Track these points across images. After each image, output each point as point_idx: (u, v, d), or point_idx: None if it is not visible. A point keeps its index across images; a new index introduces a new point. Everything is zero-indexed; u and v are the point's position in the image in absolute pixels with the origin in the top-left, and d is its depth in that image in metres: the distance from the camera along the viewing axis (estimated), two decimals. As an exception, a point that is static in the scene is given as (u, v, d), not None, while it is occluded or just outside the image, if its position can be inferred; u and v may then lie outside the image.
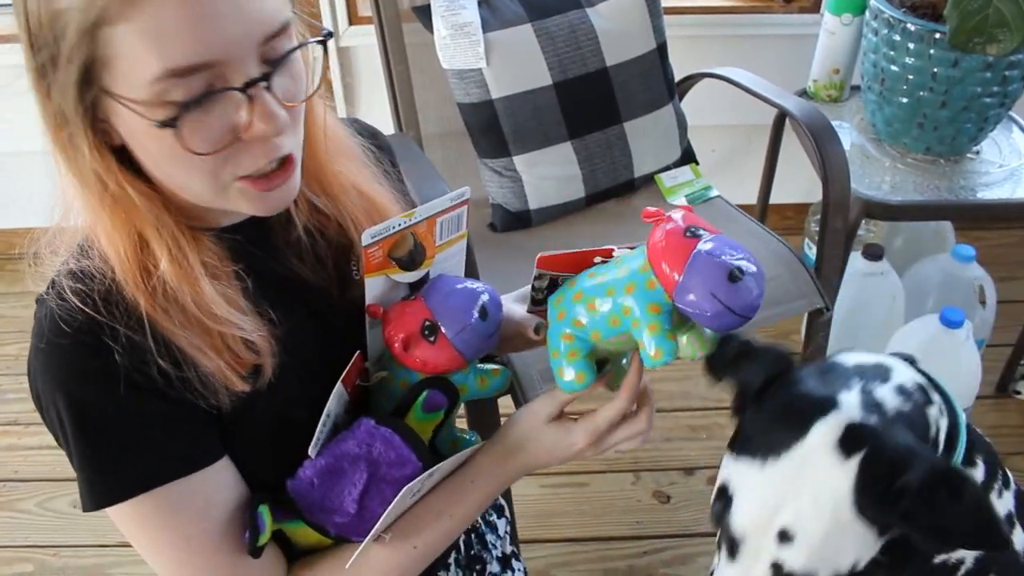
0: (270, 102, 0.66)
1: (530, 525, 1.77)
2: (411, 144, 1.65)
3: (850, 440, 0.67)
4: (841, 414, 0.68)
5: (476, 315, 0.80)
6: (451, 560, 1.00)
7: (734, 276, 0.69)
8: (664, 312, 0.73)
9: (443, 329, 0.79)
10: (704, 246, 0.71)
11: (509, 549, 1.10)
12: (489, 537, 1.08)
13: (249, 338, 0.73)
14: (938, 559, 0.78)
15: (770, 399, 0.73)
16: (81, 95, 0.64)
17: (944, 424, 0.74)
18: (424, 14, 1.59)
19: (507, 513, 1.16)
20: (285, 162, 0.71)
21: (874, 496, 0.65)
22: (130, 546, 0.76)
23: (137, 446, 0.72)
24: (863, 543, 0.68)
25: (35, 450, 1.96)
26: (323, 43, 0.72)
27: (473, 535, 1.05)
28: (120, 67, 0.62)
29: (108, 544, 1.76)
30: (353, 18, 2.20)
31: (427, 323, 0.79)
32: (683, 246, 0.72)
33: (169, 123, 0.63)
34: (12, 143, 2.22)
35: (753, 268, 0.71)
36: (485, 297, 0.82)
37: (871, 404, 0.69)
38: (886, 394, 0.70)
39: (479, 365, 0.86)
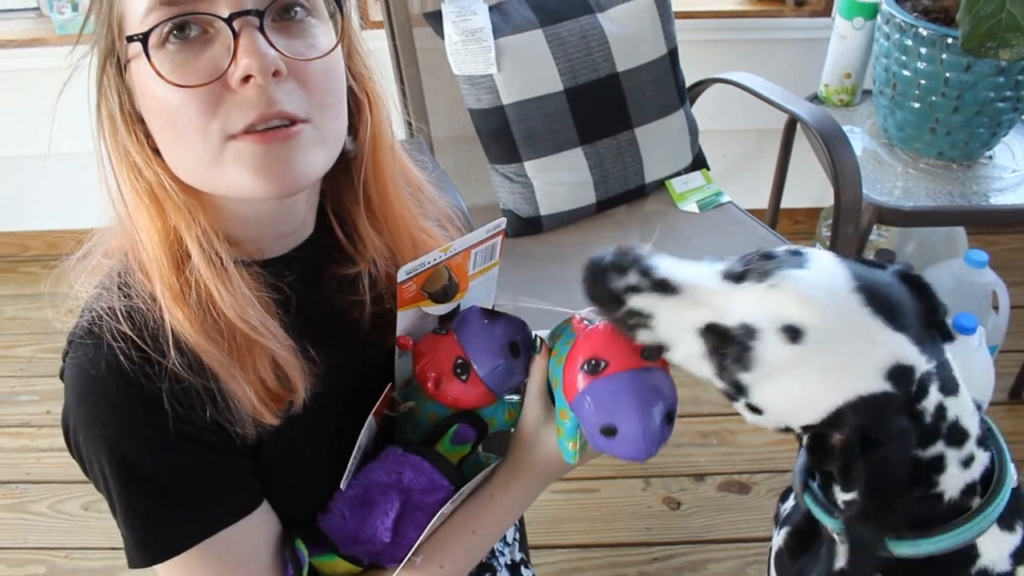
0: (258, 39, 0.64)
1: (540, 531, 1.76)
2: (423, 148, 1.65)
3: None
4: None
5: (508, 354, 0.79)
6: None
7: (608, 432, 0.69)
8: (571, 420, 0.75)
9: (475, 367, 0.79)
10: (588, 393, 0.71)
11: (519, 556, 1.09)
12: (498, 544, 1.07)
13: (279, 360, 0.72)
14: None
15: None
16: (118, 66, 0.67)
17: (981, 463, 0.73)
18: (435, 19, 1.59)
19: (523, 512, 1.16)
20: (290, 125, 0.66)
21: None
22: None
23: (185, 499, 0.72)
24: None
25: (47, 452, 1.96)
26: (339, 5, 0.71)
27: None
28: (128, 16, 0.65)
29: (118, 547, 1.75)
30: (364, 22, 2.20)
31: (459, 361, 0.79)
32: (574, 381, 0.72)
33: (140, 37, 0.63)
34: (17, 147, 2.24)
35: (633, 424, 0.69)
36: (516, 334, 0.81)
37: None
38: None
39: (506, 398, 0.86)
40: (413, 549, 0.77)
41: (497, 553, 1.06)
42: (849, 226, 1.50)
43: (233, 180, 0.67)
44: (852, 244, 1.52)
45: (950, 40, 1.47)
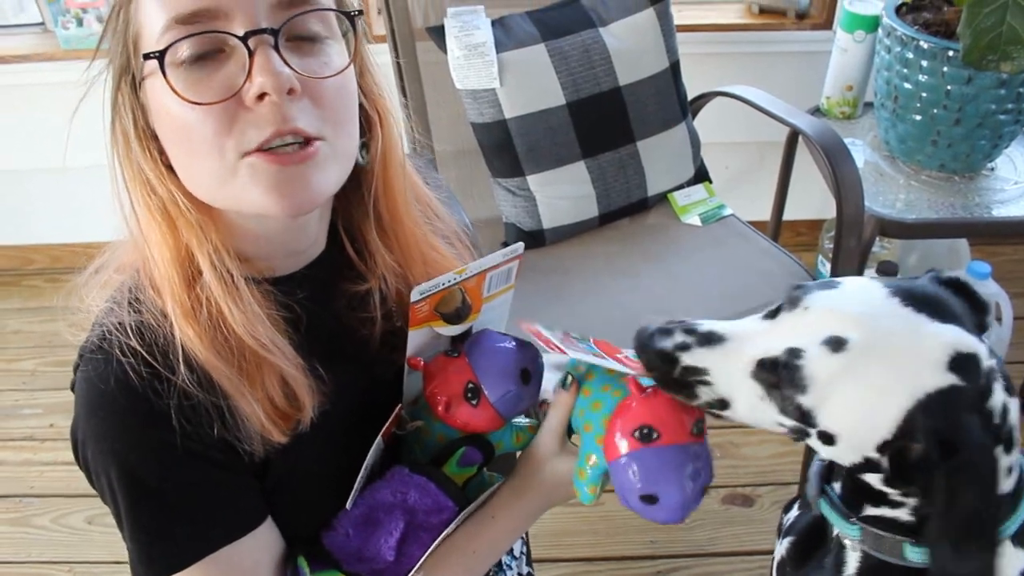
0: (273, 57, 0.64)
1: (544, 545, 1.76)
2: (427, 163, 1.66)
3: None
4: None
5: (519, 380, 0.80)
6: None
7: (648, 499, 0.71)
8: (598, 466, 0.75)
9: (486, 392, 0.79)
10: (634, 459, 0.71)
11: (525, 571, 1.09)
12: (505, 558, 1.07)
13: (288, 378, 0.73)
14: None
15: None
16: (133, 84, 0.68)
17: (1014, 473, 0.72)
18: (438, 34, 1.60)
19: (523, 534, 1.15)
20: (306, 145, 0.67)
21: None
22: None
23: (191, 515, 0.72)
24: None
25: (50, 466, 1.97)
26: (350, 17, 0.72)
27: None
28: (144, 34, 0.66)
29: (122, 560, 1.75)
30: (368, 37, 2.21)
31: (470, 385, 0.79)
32: (617, 441, 0.73)
33: (157, 55, 0.64)
34: (22, 161, 2.25)
35: (674, 497, 0.71)
36: (528, 359, 0.81)
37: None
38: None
39: (514, 421, 0.86)
40: (415, 568, 0.77)
41: (504, 567, 1.06)
42: (851, 239, 1.51)
43: (246, 197, 0.68)
44: (855, 257, 1.52)
45: (951, 53, 1.47)
